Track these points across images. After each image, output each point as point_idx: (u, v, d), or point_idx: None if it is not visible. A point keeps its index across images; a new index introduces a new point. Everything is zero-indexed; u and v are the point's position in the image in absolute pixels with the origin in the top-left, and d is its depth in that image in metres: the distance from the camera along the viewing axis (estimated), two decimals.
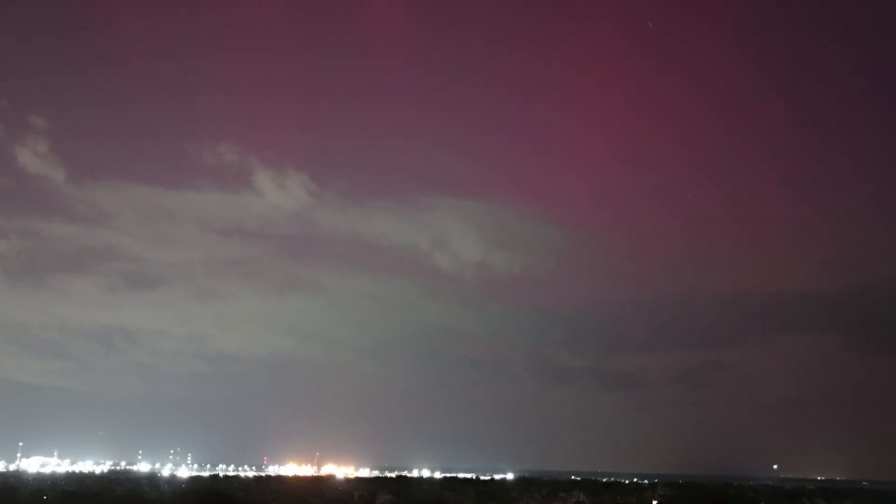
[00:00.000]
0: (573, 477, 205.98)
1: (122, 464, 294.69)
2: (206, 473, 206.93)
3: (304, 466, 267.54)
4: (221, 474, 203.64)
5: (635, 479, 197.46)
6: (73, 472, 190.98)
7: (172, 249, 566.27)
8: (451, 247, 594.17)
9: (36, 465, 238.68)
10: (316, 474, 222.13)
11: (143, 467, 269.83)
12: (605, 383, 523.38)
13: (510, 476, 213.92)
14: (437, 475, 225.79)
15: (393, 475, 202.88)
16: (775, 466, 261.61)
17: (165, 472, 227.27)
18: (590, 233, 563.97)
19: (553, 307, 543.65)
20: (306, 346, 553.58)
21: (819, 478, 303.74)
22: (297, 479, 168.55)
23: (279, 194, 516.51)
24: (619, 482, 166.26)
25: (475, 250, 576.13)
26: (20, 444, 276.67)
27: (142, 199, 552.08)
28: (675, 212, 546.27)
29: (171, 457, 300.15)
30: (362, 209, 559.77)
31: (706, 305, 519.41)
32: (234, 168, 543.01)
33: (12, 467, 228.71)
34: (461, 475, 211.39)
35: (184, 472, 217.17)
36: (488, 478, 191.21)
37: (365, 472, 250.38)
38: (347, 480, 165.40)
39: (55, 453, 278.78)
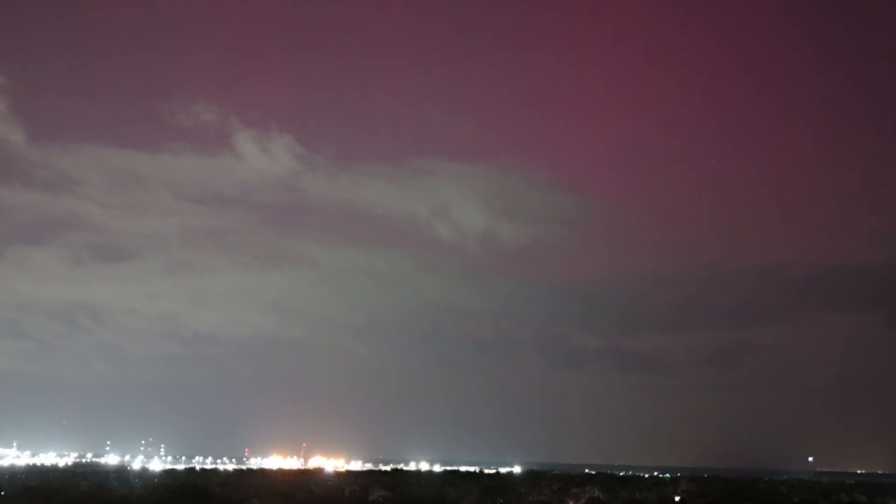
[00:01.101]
0: (587, 470, 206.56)
1: (88, 456, 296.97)
2: (180, 466, 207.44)
3: (289, 459, 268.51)
4: (198, 467, 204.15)
5: (656, 473, 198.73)
6: (34, 465, 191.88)
7: (144, 219, 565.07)
8: (453, 216, 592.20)
9: None
10: (302, 467, 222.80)
11: (111, 460, 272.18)
12: (623, 366, 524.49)
13: (517, 469, 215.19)
14: (437, 468, 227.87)
15: (388, 468, 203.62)
16: (811, 459, 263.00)
17: (136, 465, 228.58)
18: (606, 201, 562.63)
19: (565, 282, 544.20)
20: (292, 325, 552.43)
21: (859, 471, 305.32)
22: (281, 472, 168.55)
23: (262, 158, 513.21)
24: (638, 476, 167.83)
25: (479, 220, 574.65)
26: None
27: (110, 163, 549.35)
28: (701, 178, 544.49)
29: (142, 448, 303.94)
30: (354, 174, 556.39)
31: (735, 280, 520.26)
32: (211, 129, 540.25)
33: None
34: (463, 468, 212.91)
35: (156, 465, 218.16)
36: (493, 471, 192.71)
37: (357, 465, 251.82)
38: (337, 474, 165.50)
39: (14, 444, 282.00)
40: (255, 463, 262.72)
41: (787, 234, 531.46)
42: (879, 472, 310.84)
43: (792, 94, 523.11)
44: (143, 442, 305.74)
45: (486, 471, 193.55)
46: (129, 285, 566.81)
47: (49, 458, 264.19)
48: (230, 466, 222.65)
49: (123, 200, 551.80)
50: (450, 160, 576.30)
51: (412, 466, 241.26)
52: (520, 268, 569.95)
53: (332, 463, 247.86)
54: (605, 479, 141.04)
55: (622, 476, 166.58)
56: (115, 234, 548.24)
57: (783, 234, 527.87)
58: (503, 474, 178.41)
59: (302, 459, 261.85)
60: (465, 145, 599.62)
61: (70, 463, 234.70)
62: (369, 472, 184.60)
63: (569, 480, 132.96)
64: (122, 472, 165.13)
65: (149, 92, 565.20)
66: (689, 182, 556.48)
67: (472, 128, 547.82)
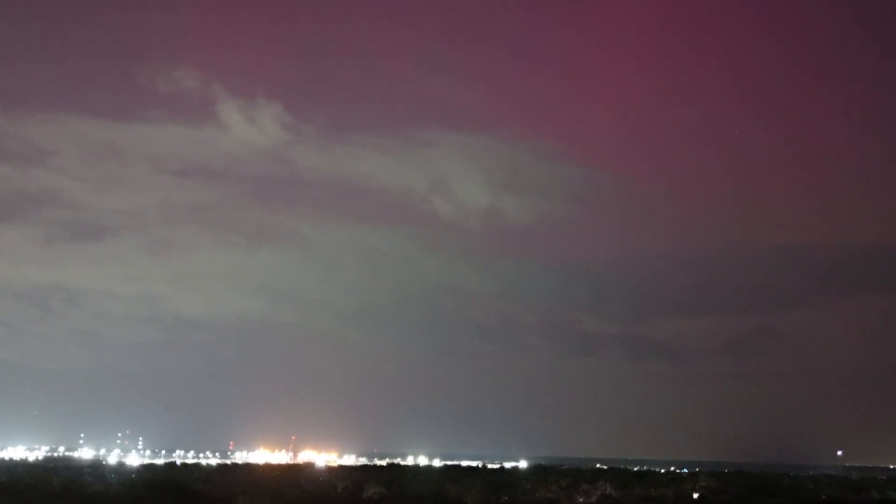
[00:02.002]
0: (598, 465, 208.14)
1: (61, 450, 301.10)
2: (160, 461, 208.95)
3: (277, 453, 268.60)
4: (178, 462, 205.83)
5: (672, 468, 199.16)
6: (2, 460, 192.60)
7: (121, 194, 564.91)
8: (453, 191, 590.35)
9: None
10: (292, 462, 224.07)
11: (85, 453, 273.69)
12: (636, 354, 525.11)
13: (523, 464, 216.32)
14: (437, 463, 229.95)
15: (384, 463, 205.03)
16: (839, 453, 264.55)
17: (112, 459, 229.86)
18: (618, 175, 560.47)
19: (574, 263, 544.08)
20: (281, 308, 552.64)
21: (891, 466, 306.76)
22: (269, 467, 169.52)
23: (248, 128, 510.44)
24: (654, 471, 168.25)
25: (481, 195, 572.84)
26: None
27: (85, 134, 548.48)
28: (720, 150, 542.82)
29: (118, 441, 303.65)
30: (347, 146, 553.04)
31: (757, 261, 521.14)
32: (194, 97, 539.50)
33: None
34: (465, 463, 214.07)
35: (134, 460, 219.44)
36: (497, 466, 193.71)
37: (350, 460, 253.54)
38: (329, 469, 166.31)
39: None
40: (240, 457, 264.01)
41: (813, 211, 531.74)
42: None
43: (821, 60, 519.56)
44: (119, 435, 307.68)
45: (490, 466, 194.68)
46: (107, 266, 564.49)
47: (18, 451, 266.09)
48: (214, 461, 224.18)
49: (99, 174, 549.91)
50: (450, 130, 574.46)
51: (410, 461, 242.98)
52: (525, 247, 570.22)
53: (323, 457, 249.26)
54: (618, 475, 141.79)
55: (636, 471, 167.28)
56: (90, 210, 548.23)
57: (809, 211, 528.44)
58: (508, 469, 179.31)
59: (291, 453, 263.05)
60: (467, 114, 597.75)
61: (41, 457, 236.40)
62: (363, 467, 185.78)
63: (578, 476, 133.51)
64: (97, 466, 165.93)
65: (125, 56, 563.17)
66: (709, 154, 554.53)
67: (474, 96, 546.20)
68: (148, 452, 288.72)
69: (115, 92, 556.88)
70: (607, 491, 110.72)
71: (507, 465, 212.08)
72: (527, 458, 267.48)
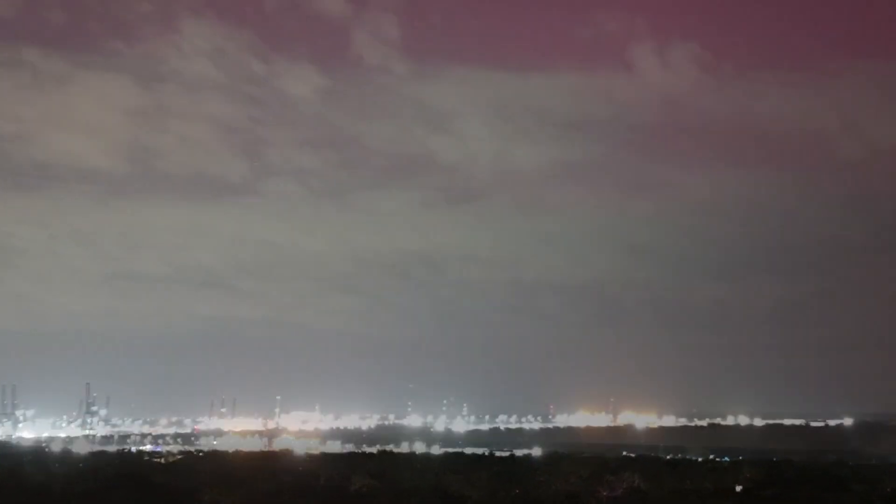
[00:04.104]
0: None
1: (391, 417, 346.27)
2: (484, 426, 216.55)
3: (597, 415, 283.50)
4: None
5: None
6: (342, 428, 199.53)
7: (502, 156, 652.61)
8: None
9: None
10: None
11: (413, 420, 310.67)
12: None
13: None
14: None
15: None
16: None
17: (439, 425, 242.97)
18: None
19: None
20: (641, 266, 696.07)
21: None
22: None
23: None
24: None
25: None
26: None
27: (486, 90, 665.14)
28: None
29: (444, 409, 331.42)
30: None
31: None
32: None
33: None
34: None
35: (459, 426, 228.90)
36: (506, 454, 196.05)
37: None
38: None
39: None
40: (560, 420, 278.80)
41: None
42: None
43: None
44: (444, 402, 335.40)
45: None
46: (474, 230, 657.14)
47: (352, 420, 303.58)
48: (536, 425, 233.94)
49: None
50: None
51: (730, 421, 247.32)
52: None
53: (642, 419, 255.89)
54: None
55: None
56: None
57: None
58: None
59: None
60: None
61: (373, 426, 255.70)
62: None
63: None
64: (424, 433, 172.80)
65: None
66: None
67: None
68: (472, 418, 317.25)
69: (516, 42, 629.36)
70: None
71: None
72: (851, 414, 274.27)
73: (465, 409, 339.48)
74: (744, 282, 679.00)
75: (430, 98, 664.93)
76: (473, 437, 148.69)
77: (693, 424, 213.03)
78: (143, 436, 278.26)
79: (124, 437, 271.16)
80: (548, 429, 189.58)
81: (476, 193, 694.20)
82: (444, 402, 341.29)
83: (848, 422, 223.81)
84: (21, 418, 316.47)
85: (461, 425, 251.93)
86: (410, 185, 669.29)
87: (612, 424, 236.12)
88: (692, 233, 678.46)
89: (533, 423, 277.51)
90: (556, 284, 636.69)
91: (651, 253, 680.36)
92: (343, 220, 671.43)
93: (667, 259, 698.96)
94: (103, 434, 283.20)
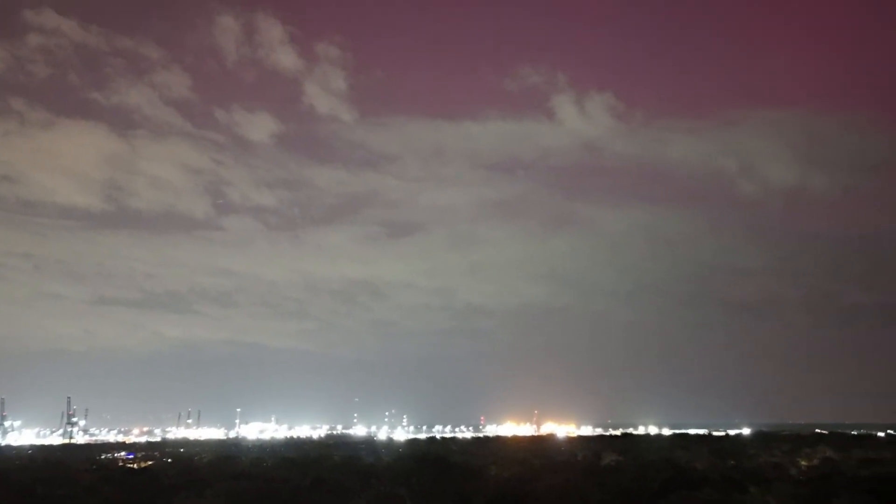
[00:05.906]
0: (817, 430, 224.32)
1: (339, 427, 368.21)
2: (422, 436, 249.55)
3: (522, 425, 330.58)
4: (438, 436, 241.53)
5: (889, 431, 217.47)
6: (293, 438, 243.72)
7: (438, 192, 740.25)
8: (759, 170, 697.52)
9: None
10: (536, 434, 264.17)
11: (358, 431, 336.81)
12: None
13: (746, 431, 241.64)
14: (666, 432, 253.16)
15: (618, 433, 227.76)
16: None
17: (381, 435, 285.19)
18: None
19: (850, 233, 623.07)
20: (560, 292, 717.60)
21: None
22: (515, 439, 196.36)
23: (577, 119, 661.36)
24: (871, 435, 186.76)
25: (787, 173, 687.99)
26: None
27: (418, 135, 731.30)
28: None
29: (386, 419, 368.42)
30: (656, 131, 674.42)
31: None
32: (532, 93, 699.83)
33: None
34: (692, 431, 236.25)
35: (400, 435, 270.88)
36: (722, 434, 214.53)
37: (587, 430, 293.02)
38: (569, 439, 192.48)
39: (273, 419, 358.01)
40: (490, 430, 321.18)
41: None
42: None
43: None
44: (386, 413, 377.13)
45: (715, 433, 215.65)
46: (412, 261, 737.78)
47: (304, 430, 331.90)
48: (468, 434, 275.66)
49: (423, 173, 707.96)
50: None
51: (641, 431, 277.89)
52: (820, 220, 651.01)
53: (563, 429, 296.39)
54: (837, 439, 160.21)
55: (855, 435, 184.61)
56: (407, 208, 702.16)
57: None
58: (731, 436, 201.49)
59: (535, 426, 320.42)
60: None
61: (323, 434, 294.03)
62: (600, 437, 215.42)
63: (799, 441, 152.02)
64: (369, 442, 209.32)
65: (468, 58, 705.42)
66: None
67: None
68: (411, 428, 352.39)
69: (451, 93, 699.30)
70: (828, 454, 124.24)
71: (731, 432, 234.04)
72: (748, 424, 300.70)
73: (405, 420, 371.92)
74: (654, 306, 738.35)
75: (374, 143, 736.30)
76: (412, 445, 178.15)
77: (608, 434, 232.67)
78: (118, 444, 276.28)
79: (101, 446, 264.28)
80: (479, 437, 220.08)
81: (415, 228, 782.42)
82: (387, 413, 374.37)
83: (746, 431, 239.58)
84: (10, 428, 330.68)
85: (401, 434, 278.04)
86: (356, 220, 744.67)
87: (535, 434, 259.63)
88: (607, 263, 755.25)
89: (465, 433, 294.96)
90: (487, 309, 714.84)
91: (570, 280, 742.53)
92: (296, 252, 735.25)
93: (584, 286, 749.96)
94: (82, 442, 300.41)
